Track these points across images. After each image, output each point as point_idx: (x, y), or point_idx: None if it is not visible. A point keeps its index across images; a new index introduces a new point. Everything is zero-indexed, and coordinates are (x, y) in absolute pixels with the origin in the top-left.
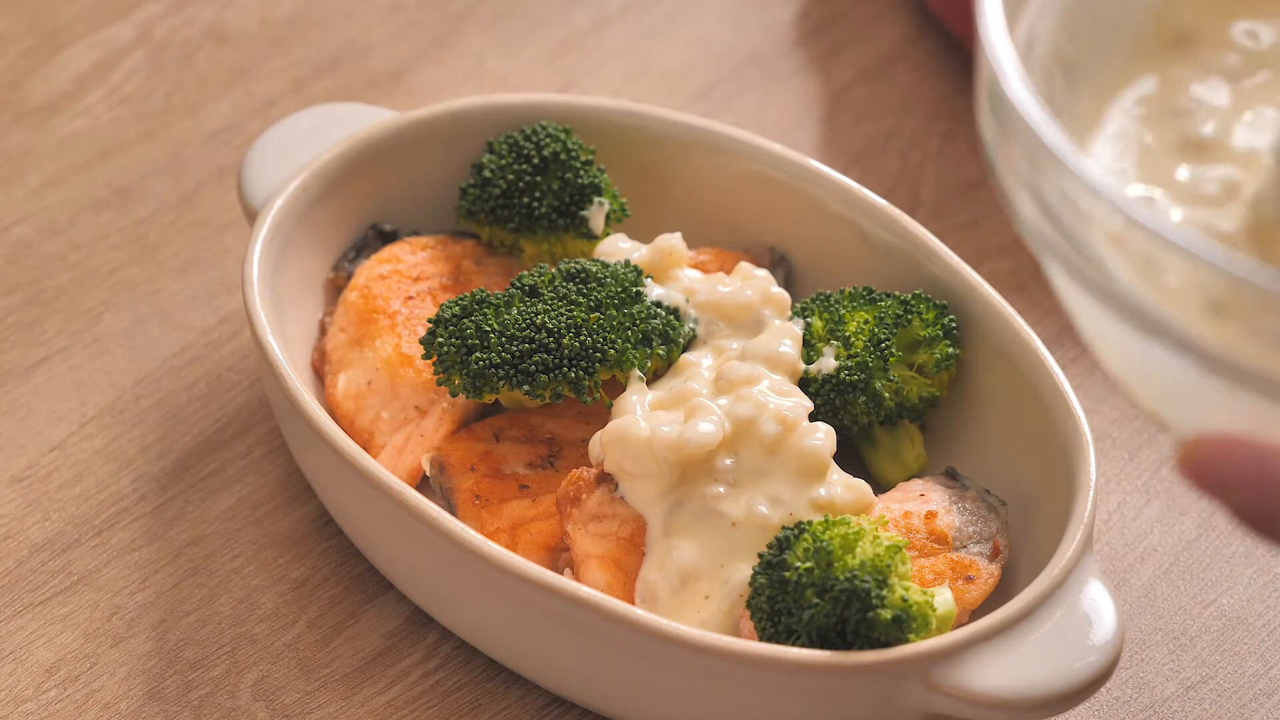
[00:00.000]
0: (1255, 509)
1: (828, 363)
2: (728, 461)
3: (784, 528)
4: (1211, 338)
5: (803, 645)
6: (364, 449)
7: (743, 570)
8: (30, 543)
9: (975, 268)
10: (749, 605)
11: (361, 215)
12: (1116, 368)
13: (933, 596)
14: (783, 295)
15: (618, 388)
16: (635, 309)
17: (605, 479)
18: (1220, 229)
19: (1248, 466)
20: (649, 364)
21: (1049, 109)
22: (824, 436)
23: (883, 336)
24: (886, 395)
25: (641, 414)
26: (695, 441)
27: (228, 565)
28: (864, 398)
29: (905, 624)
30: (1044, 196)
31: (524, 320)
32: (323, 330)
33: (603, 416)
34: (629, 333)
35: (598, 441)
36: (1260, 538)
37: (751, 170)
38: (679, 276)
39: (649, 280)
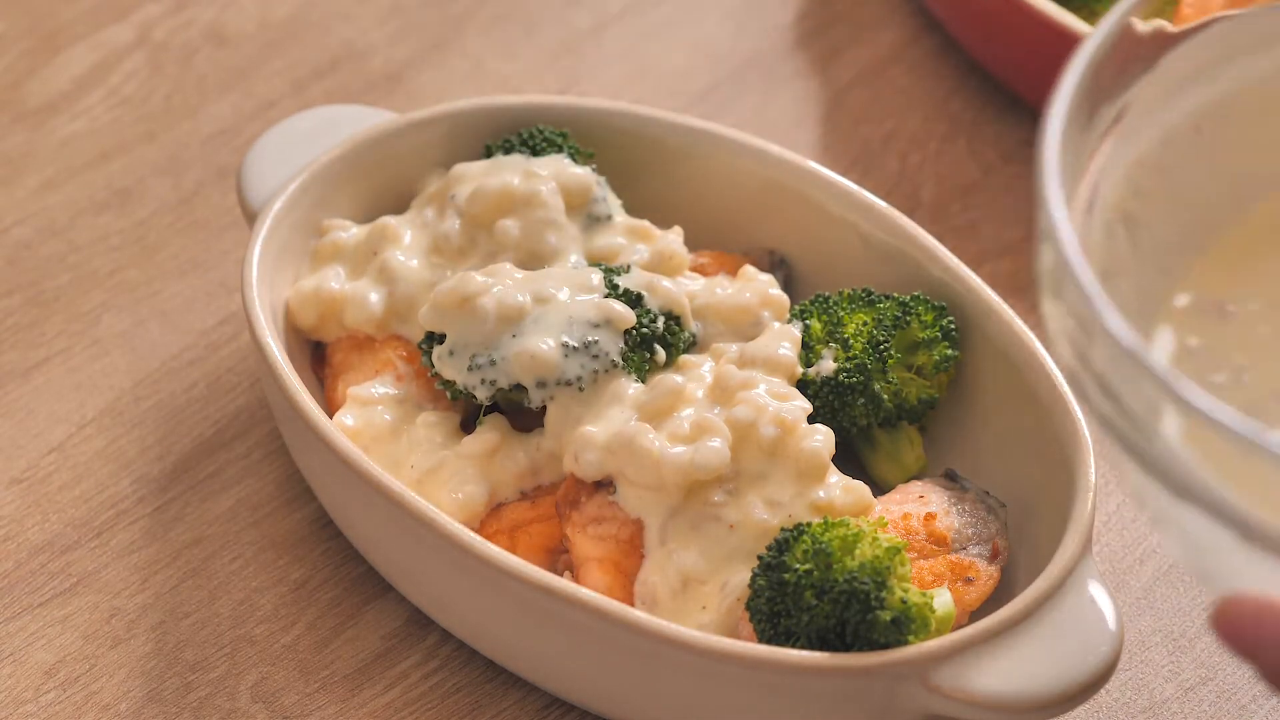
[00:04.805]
0: None
1: (826, 365)
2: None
3: (783, 529)
4: (1252, 511)
5: (802, 647)
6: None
7: (742, 572)
8: (30, 544)
9: (974, 269)
10: (748, 607)
11: (361, 217)
12: (1156, 522)
13: (932, 598)
14: (781, 298)
15: None
16: (635, 313)
17: (604, 482)
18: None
19: (1278, 630)
20: (647, 367)
21: (1109, 267)
22: (823, 438)
23: (881, 338)
24: (885, 397)
25: (632, 416)
26: (706, 467)
27: (227, 567)
28: (863, 400)
29: (904, 625)
30: (1093, 365)
31: None
32: None
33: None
34: (628, 337)
35: (588, 447)
36: None
37: (751, 172)
38: (679, 280)
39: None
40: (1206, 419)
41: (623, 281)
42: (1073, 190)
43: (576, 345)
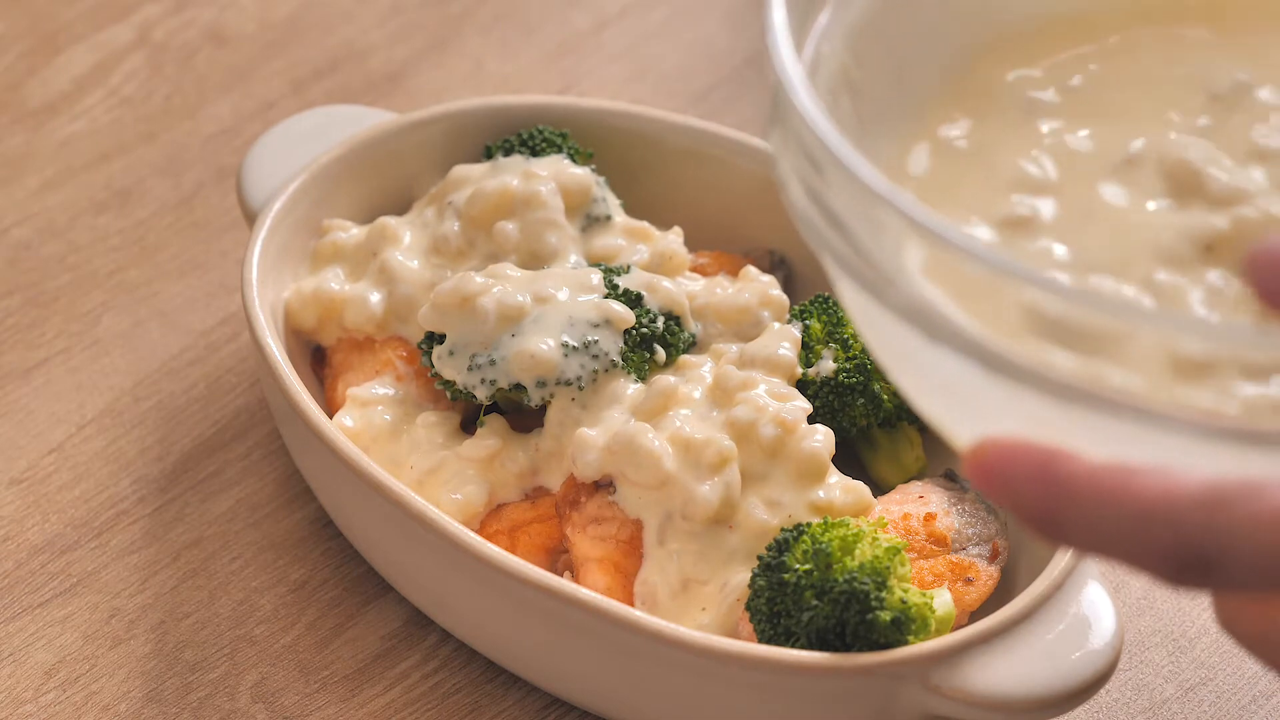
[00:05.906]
0: (1038, 509)
1: (826, 365)
2: None
3: (783, 530)
4: (993, 338)
5: (802, 647)
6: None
7: (742, 572)
8: (29, 545)
9: None
10: (748, 607)
11: (361, 217)
12: (904, 380)
13: (932, 598)
14: (781, 298)
15: None
16: (635, 313)
17: (604, 482)
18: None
19: (1030, 467)
20: (647, 368)
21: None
22: (823, 438)
23: None
24: (885, 397)
25: (632, 416)
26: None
27: (227, 567)
28: (863, 400)
29: (904, 626)
30: (828, 204)
31: None
32: None
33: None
34: (628, 337)
35: (588, 447)
36: (1043, 538)
37: (751, 172)
38: (679, 280)
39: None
40: (949, 243)
41: (623, 282)
42: (798, 46)
43: (576, 345)
